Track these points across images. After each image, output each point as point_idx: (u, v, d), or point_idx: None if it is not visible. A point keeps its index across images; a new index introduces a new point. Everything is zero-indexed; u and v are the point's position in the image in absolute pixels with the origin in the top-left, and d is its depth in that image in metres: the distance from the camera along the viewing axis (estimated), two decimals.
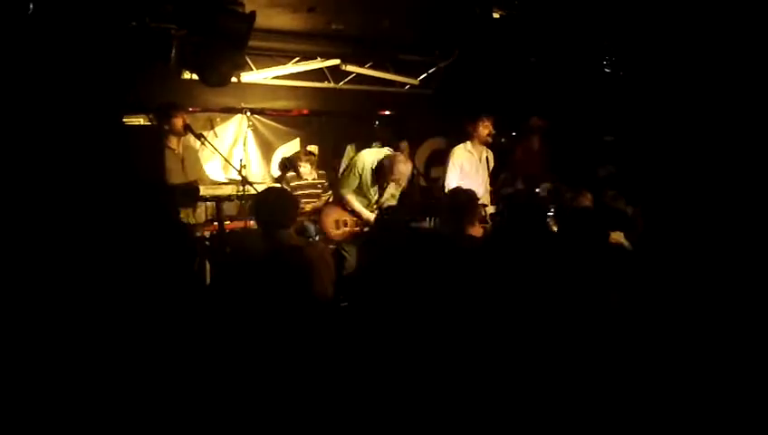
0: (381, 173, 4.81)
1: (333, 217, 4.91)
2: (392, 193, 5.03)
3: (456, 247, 3.05)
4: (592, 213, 3.17)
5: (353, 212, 4.91)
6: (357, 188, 4.88)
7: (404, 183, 4.91)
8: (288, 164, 5.96)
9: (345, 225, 4.91)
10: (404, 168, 4.77)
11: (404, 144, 6.29)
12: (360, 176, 4.85)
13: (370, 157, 4.89)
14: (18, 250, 2.79)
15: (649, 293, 2.12)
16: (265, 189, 3.86)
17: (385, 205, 4.96)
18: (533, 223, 2.80)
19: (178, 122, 4.92)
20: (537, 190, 5.38)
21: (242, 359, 2.33)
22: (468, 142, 5.49)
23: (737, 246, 1.85)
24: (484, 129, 5.41)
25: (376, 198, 4.96)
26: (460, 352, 2.16)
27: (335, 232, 4.87)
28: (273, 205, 3.20)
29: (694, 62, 1.98)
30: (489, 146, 5.56)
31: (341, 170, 4.99)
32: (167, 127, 4.90)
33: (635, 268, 2.46)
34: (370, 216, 4.91)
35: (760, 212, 1.88)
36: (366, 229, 4.88)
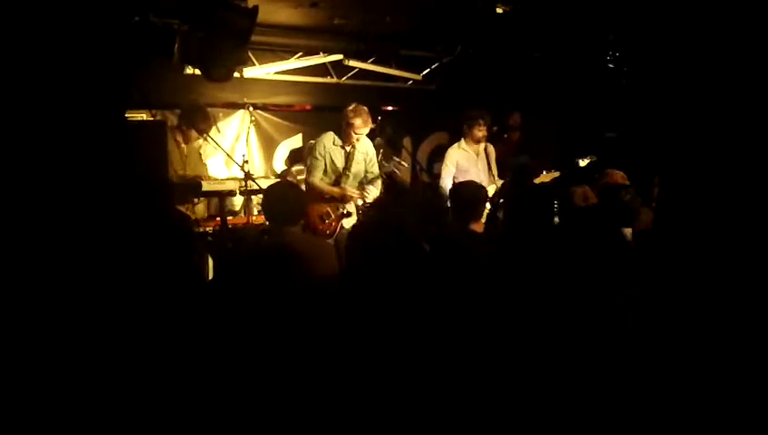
0: (343, 127, 4.79)
1: (316, 212, 4.85)
2: (358, 170, 5.00)
3: (461, 248, 3.04)
4: (602, 209, 3.16)
5: (327, 198, 4.87)
6: (323, 173, 4.87)
7: (361, 134, 4.82)
8: (297, 157, 5.95)
9: (329, 216, 4.87)
10: (364, 118, 4.75)
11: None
12: (324, 157, 4.83)
13: (329, 136, 4.88)
14: (17, 246, 2.79)
15: (658, 291, 2.12)
16: (273, 185, 3.84)
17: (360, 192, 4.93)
18: (540, 217, 2.78)
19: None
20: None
21: (244, 356, 2.33)
22: (462, 140, 5.56)
23: (746, 244, 1.84)
24: (479, 131, 5.49)
25: (344, 177, 4.94)
26: (464, 354, 2.16)
27: (323, 226, 4.83)
28: (282, 201, 3.19)
29: (700, 58, 1.97)
30: (488, 139, 5.61)
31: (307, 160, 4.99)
32: (195, 125, 4.92)
33: (645, 266, 2.46)
34: (344, 191, 4.86)
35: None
36: (346, 211, 4.86)
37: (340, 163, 4.90)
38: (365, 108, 4.84)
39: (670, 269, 2.09)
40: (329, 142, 4.86)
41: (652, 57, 4.99)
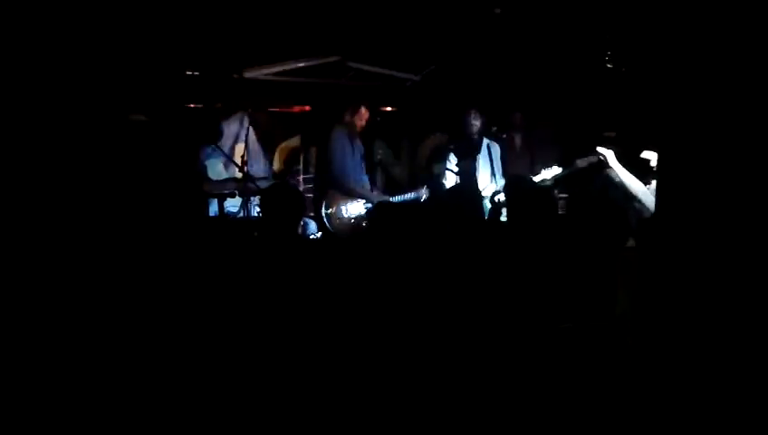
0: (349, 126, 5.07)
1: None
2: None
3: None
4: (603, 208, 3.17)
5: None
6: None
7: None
8: (296, 158, 5.96)
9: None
10: (362, 111, 5.14)
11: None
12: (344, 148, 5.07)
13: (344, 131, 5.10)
14: (21, 248, 2.80)
15: (656, 290, 2.12)
16: (271, 186, 3.85)
17: None
18: (540, 211, 2.79)
19: None
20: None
21: (244, 354, 2.33)
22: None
23: (745, 244, 1.84)
24: (471, 127, 5.54)
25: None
26: (459, 343, 2.16)
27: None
28: (280, 202, 3.19)
29: (697, 57, 1.97)
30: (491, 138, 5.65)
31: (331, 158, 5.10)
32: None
33: (641, 264, 2.46)
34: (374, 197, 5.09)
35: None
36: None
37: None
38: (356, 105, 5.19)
39: (669, 267, 2.08)
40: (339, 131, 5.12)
41: (650, 55, 5.00)
